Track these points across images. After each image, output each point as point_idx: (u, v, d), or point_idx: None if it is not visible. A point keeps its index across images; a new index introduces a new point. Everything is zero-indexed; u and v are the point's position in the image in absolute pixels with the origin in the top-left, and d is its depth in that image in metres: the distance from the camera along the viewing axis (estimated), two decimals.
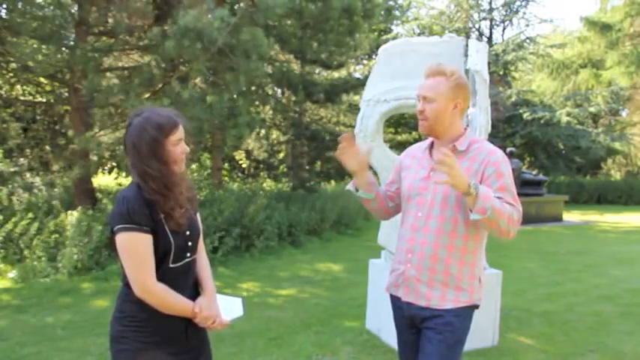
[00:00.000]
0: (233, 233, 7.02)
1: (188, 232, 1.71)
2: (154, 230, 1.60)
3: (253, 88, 10.20)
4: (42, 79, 8.80)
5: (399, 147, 17.27)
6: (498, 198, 1.76)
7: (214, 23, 5.48)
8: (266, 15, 6.28)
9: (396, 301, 2.02)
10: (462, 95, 1.89)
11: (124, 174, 12.97)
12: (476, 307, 1.93)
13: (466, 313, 1.89)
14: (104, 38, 8.02)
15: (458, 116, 1.92)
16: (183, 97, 5.98)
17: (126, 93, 6.31)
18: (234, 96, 6.69)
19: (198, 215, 1.84)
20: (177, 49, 5.79)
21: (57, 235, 6.15)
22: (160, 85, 7.13)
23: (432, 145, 2.00)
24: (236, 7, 5.94)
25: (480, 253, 1.92)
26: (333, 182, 14.87)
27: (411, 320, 1.96)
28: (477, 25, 19.62)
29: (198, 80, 6.69)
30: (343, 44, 8.70)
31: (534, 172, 14.15)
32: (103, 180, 13.04)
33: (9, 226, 6.26)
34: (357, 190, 2.08)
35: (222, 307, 1.80)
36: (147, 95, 7.42)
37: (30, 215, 6.49)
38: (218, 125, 6.87)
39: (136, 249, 1.58)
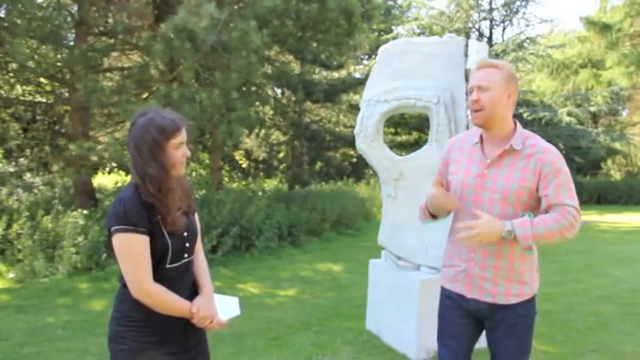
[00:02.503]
0: (232, 233, 7.02)
1: (185, 234, 1.71)
2: (150, 232, 1.60)
3: (253, 88, 10.19)
4: (42, 79, 8.80)
5: (400, 147, 17.26)
6: (546, 197, 1.80)
7: (201, 23, 5.46)
8: (254, 10, 6.26)
9: (450, 293, 2.03)
10: (514, 86, 1.89)
11: (123, 174, 12.98)
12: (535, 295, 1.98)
13: (531, 302, 1.95)
14: (104, 38, 8.02)
15: (510, 108, 1.91)
16: (172, 97, 5.95)
17: (119, 94, 6.31)
18: (229, 92, 6.64)
19: (196, 216, 1.84)
20: (167, 51, 5.78)
21: (56, 236, 6.14)
22: (156, 86, 7.13)
23: (482, 139, 1.96)
24: (222, 6, 5.91)
25: None
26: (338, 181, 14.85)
27: (477, 313, 1.97)
28: (477, 25, 19.61)
29: (190, 79, 6.66)
30: (342, 45, 8.69)
31: None
32: (103, 180, 13.04)
33: (8, 226, 6.26)
34: (434, 217, 2.04)
35: (219, 307, 1.80)
36: (144, 96, 7.41)
37: (29, 215, 6.49)
38: (209, 123, 6.84)
39: (132, 250, 1.58)
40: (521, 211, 1.84)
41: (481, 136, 1.96)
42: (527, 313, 1.94)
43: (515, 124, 1.92)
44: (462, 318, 2.01)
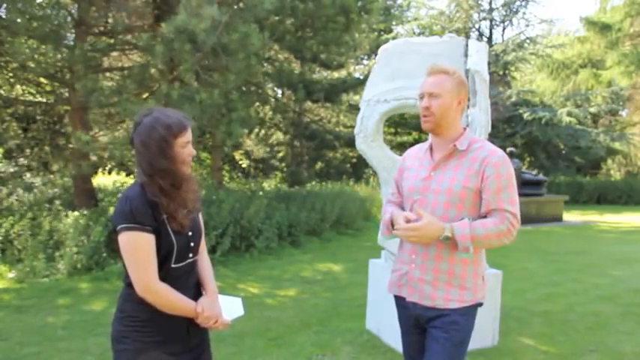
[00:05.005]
0: (232, 233, 7.01)
1: (190, 233, 1.72)
2: (156, 230, 1.60)
3: (253, 88, 10.19)
4: (42, 79, 8.79)
5: (399, 147, 17.27)
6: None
7: (202, 24, 5.45)
8: (254, 12, 6.26)
9: (400, 300, 2.03)
10: (463, 93, 1.94)
11: (123, 174, 12.96)
12: (480, 305, 1.94)
13: (471, 311, 1.91)
14: (104, 38, 8.01)
15: (459, 114, 1.96)
16: (172, 97, 5.95)
17: (119, 94, 6.30)
18: (229, 93, 6.65)
19: (200, 215, 1.84)
20: (167, 52, 5.78)
21: (56, 235, 6.14)
22: (157, 86, 7.13)
23: (431, 147, 2.02)
24: (223, 8, 5.91)
25: (482, 251, 1.94)
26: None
27: (416, 320, 1.97)
28: (477, 25, 19.63)
29: (190, 79, 6.68)
30: (341, 42, 8.67)
31: (534, 172, 14.15)
32: (103, 180, 13.03)
33: (8, 226, 6.26)
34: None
35: (223, 307, 1.80)
36: (144, 96, 7.40)
37: (29, 215, 6.49)
38: (210, 123, 6.84)
39: (138, 249, 1.58)
40: (464, 213, 1.85)
41: (431, 145, 2.01)
42: (465, 322, 1.88)
43: (465, 129, 1.96)
44: (414, 328, 2.01)
